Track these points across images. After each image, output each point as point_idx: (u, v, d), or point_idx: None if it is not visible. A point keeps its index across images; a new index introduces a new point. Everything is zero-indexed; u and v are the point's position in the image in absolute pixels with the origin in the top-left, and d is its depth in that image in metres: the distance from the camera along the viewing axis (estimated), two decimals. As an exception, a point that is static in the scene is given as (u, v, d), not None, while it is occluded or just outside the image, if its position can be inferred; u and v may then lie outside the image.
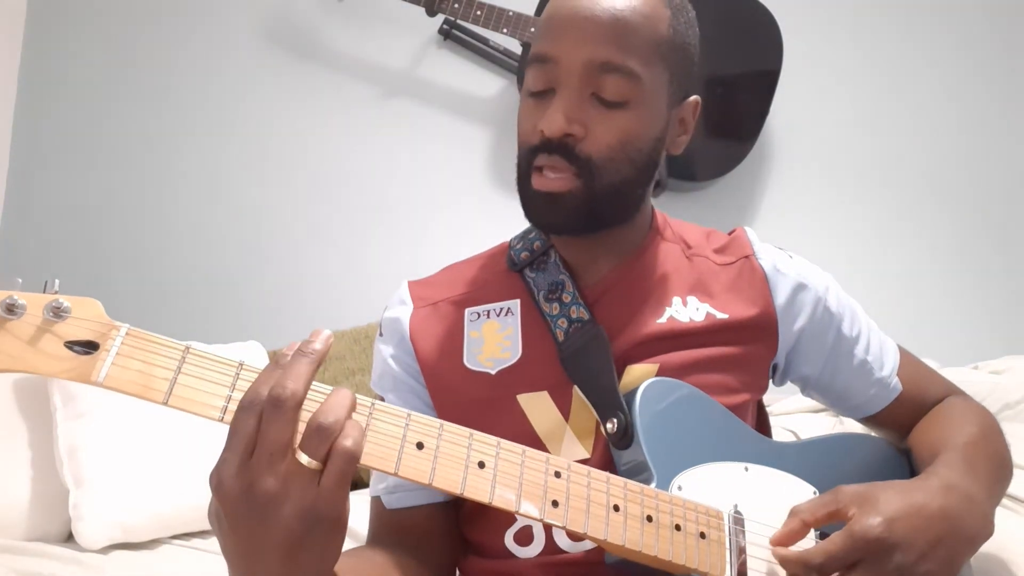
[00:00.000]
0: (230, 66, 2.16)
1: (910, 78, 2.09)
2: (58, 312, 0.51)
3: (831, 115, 2.09)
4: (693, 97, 0.86)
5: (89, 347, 0.51)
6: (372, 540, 0.85)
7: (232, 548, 0.52)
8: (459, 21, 2.03)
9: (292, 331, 1.14)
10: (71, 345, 0.51)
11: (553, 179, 0.78)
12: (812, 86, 2.07)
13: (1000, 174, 2.05)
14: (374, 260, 2.10)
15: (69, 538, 1.38)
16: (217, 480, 0.50)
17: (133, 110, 2.14)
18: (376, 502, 0.85)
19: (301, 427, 0.51)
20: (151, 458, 1.40)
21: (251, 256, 2.11)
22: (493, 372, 0.83)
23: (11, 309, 0.50)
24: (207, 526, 1.45)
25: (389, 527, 0.84)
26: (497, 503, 0.59)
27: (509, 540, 0.80)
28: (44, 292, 0.53)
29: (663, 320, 0.83)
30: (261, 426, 0.49)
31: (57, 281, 0.53)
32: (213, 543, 1.41)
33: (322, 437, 0.50)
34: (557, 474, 0.63)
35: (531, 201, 0.81)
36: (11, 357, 0.50)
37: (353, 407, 0.52)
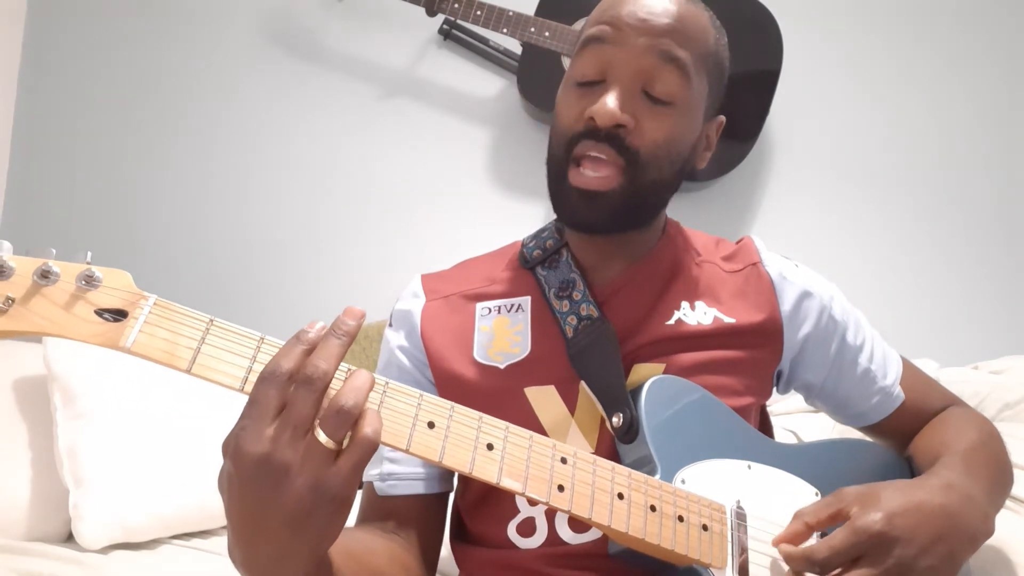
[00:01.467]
0: (228, 66, 2.15)
1: (911, 77, 2.09)
2: (90, 281, 0.53)
3: (831, 115, 2.09)
4: (720, 116, 0.89)
5: (119, 315, 0.53)
6: (360, 522, 0.87)
7: (239, 514, 0.52)
8: (459, 21, 2.03)
9: (290, 332, 1.14)
10: (101, 312, 0.53)
11: (594, 177, 0.78)
12: (812, 86, 2.08)
13: (1001, 173, 2.06)
14: (372, 260, 2.09)
15: (69, 538, 1.37)
16: (234, 446, 0.50)
17: (131, 110, 2.14)
18: (369, 487, 0.87)
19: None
20: (151, 458, 1.39)
21: (247, 256, 2.10)
22: (502, 366, 0.84)
23: (45, 275, 0.52)
24: (207, 526, 1.44)
25: (378, 512, 0.85)
26: (504, 484, 0.60)
27: (512, 531, 0.81)
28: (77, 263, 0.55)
29: (671, 322, 0.84)
30: (288, 400, 0.51)
31: (89, 253, 0.54)
32: (213, 543, 1.40)
33: (341, 420, 0.51)
34: (563, 460, 0.64)
35: (567, 197, 0.81)
36: (45, 320, 0.52)
37: (371, 389, 0.54)
